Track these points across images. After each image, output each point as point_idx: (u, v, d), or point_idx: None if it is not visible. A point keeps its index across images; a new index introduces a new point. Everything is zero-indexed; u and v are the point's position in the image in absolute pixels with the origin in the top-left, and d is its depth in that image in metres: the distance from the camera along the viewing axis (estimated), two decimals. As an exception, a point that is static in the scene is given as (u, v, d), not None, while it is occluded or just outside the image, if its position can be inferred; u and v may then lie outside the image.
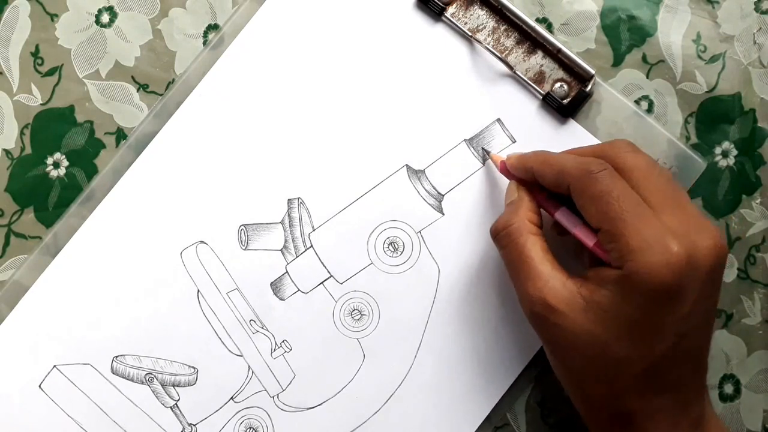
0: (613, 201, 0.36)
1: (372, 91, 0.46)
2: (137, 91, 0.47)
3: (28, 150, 0.47)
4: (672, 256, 0.34)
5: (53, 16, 0.47)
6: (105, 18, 0.47)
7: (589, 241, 0.38)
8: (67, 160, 0.47)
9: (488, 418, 0.45)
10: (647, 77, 0.46)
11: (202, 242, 0.45)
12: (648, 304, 0.35)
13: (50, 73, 0.47)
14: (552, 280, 0.37)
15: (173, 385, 0.45)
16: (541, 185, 0.40)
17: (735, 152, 0.46)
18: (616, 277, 0.35)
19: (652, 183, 0.37)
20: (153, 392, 0.45)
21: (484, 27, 0.45)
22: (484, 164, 0.45)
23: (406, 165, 0.45)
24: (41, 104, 0.47)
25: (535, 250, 0.38)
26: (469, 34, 0.45)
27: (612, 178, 0.36)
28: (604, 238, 0.36)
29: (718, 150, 0.46)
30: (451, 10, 0.45)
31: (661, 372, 0.36)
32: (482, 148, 0.45)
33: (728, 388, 0.46)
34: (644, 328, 0.35)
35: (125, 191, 0.46)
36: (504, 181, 0.44)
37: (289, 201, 0.45)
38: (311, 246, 0.45)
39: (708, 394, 0.40)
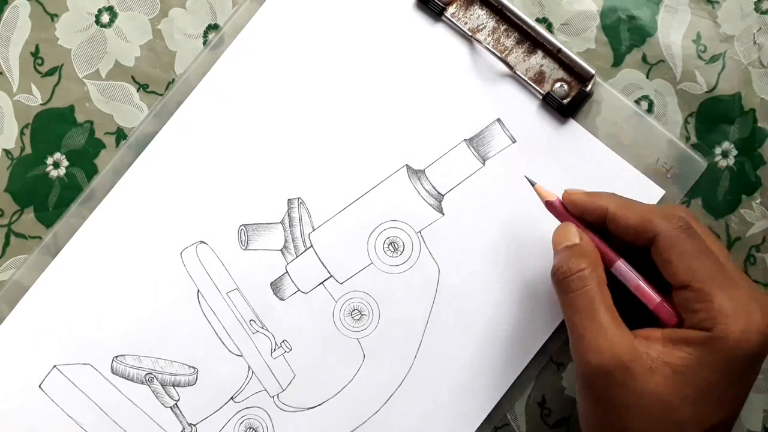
0: (706, 259, 0.35)
1: (372, 91, 0.46)
2: (137, 91, 0.47)
3: (28, 150, 0.47)
4: (761, 324, 0.34)
5: (53, 16, 0.47)
6: (105, 18, 0.47)
7: (653, 299, 0.37)
8: (67, 160, 0.47)
9: (488, 418, 0.45)
10: (647, 77, 0.46)
11: (202, 242, 0.45)
12: (733, 369, 0.35)
13: (50, 73, 0.47)
14: (622, 337, 0.35)
15: (173, 385, 0.45)
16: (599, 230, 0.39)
17: (735, 152, 0.46)
18: (701, 338, 0.35)
19: (721, 251, 0.37)
20: (153, 392, 0.45)
21: (484, 27, 0.45)
22: (484, 164, 0.45)
23: (406, 165, 0.45)
24: (41, 104, 0.47)
25: (607, 303, 0.36)
26: (469, 34, 0.45)
27: (699, 238, 0.36)
28: (690, 297, 0.35)
29: (718, 150, 0.46)
30: (451, 10, 0.45)
31: (719, 430, 0.36)
32: (526, 177, 0.42)
33: (728, 388, 0.46)
34: (721, 392, 0.35)
35: (125, 191, 0.46)
36: (504, 180, 0.44)
37: (289, 201, 0.45)
38: (311, 246, 0.45)
39: None
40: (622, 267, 0.38)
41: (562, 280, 0.38)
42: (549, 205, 0.40)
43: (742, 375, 0.35)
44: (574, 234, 0.38)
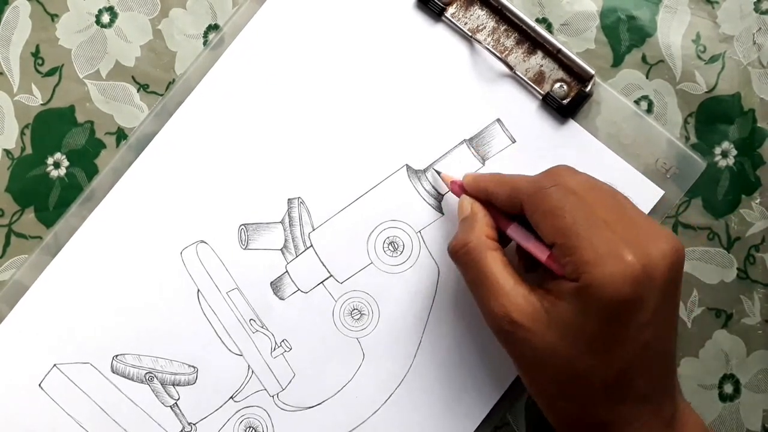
0: (566, 214, 0.36)
1: (372, 91, 0.46)
2: (137, 92, 0.47)
3: (29, 150, 0.47)
4: (627, 267, 0.34)
5: (53, 17, 0.47)
6: (105, 18, 0.47)
7: (542, 255, 0.38)
8: (68, 160, 0.47)
9: (488, 418, 0.45)
10: (647, 77, 0.46)
11: (202, 242, 0.45)
12: (606, 316, 0.35)
13: (51, 73, 0.47)
14: (515, 296, 0.37)
15: (173, 384, 0.45)
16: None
17: (735, 152, 0.46)
18: (572, 289, 0.35)
19: (597, 198, 0.37)
20: (153, 391, 0.45)
21: (484, 27, 0.45)
22: (484, 164, 0.45)
23: (406, 165, 0.45)
24: (42, 104, 0.47)
25: (496, 266, 0.38)
26: (469, 34, 0.45)
27: (563, 192, 0.37)
28: (558, 253, 0.36)
29: (717, 150, 0.46)
30: (451, 10, 0.45)
31: (628, 381, 0.36)
32: (433, 169, 0.45)
33: (728, 388, 0.46)
34: (605, 341, 0.35)
35: (125, 191, 0.46)
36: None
37: (289, 201, 0.45)
38: (311, 245, 0.45)
39: (679, 386, 0.39)
40: (515, 230, 0.40)
41: (453, 256, 0.40)
42: (452, 186, 0.43)
43: (619, 321, 0.35)
44: (467, 207, 0.41)
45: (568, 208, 0.36)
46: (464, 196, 0.42)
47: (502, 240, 0.40)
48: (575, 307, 0.35)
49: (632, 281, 0.34)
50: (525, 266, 0.41)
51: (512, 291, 0.37)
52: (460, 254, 0.40)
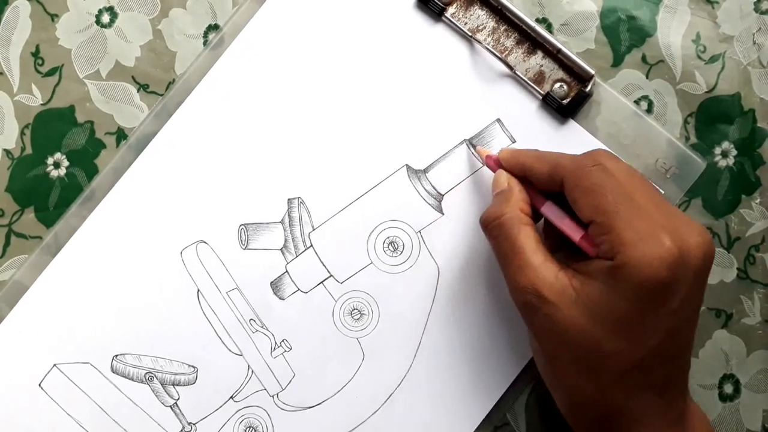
0: (608, 193, 0.36)
1: (372, 91, 0.46)
2: (137, 92, 0.47)
3: (29, 150, 0.47)
4: (664, 250, 0.34)
5: (53, 17, 0.47)
6: (105, 18, 0.47)
7: (576, 234, 0.38)
8: (68, 160, 0.47)
9: (488, 418, 0.45)
10: (647, 77, 0.46)
11: (202, 242, 0.45)
12: (639, 297, 0.35)
13: (51, 73, 0.47)
14: (544, 271, 0.37)
15: (173, 384, 0.45)
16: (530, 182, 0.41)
17: (734, 152, 0.46)
18: (607, 268, 0.35)
19: (637, 185, 0.37)
20: (153, 391, 0.45)
21: (484, 27, 0.45)
22: (484, 164, 0.45)
23: (406, 165, 0.45)
24: (42, 104, 0.47)
25: (528, 241, 0.38)
26: (469, 34, 0.45)
27: (606, 173, 0.37)
28: (596, 231, 0.36)
29: (717, 150, 0.46)
30: (451, 11, 0.45)
31: (649, 369, 0.36)
32: (468, 141, 0.45)
33: (728, 388, 0.46)
34: (635, 322, 0.35)
35: (125, 191, 0.46)
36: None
37: (289, 200, 0.45)
38: (311, 245, 0.45)
39: (689, 388, 0.39)
40: (549, 208, 0.40)
41: (485, 227, 0.41)
42: (488, 160, 0.43)
43: (651, 303, 0.35)
44: (503, 181, 0.41)
45: (610, 187, 0.36)
46: (501, 171, 0.42)
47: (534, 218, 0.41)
48: (607, 287, 0.35)
49: (670, 264, 0.34)
50: (553, 246, 0.41)
51: (542, 266, 0.37)
52: (492, 225, 0.40)
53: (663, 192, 0.45)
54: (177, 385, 0.45)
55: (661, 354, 0.36)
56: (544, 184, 0.40)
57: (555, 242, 0.41)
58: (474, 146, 0.45)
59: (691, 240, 0.35)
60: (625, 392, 0.36)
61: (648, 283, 0.34)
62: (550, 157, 0.40)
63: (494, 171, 0.42)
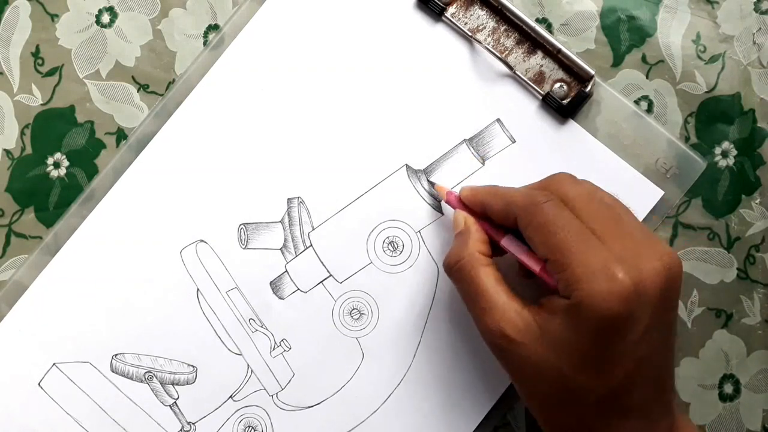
0: (558, 230, 0.36)
1: (372, 91, 0.46)
2: (137, 92, 0.47)
3: (29, 150, 0.47)
4: (616, 284, 0.34)
5: (54, 17, 0.47)
6: (105, 18, 0.47)
7: (535, 266, 0.38)
8: (68, 160, 0.47)
9: (488, 418, 0.45)
10: (647, 77, 0.46)
11: (202, 241, 0.45)
12: (597, 333, 0.34)
13: (51, 73, 0.47)
14: (507, 310, 0.37)
15: (172, 384, 0.45)
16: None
17: (735, 152, 0.46)
18: (564, 306, 0.35)
19: (594, 211, 0.37)
20: (152, 390, 0.45)
21: (484, 27, 0.45)
22: (483, 164, 0.45)
23: (406, 165, 0.45)
24: (42, 104, 0.47)
25: (489, 282, 0.38)
26: (469, 34, 0.45)
27: (557, 208, 0.36)
28: (551, 268, 0.36)
29: (717, 150, 0.46)
30: (451, 10, 0.45)
31: (622, 397, 0.36)
32: (427, 180, 0.45)
33: (728, 388, 0.46)
34: (598, 357, 0.35)
35: (125, 191, 0.46)
36: (504, 180, 0.44)
37: (289, 200, 0.45)
38: (311, 245, 0.45)
39: (676, 403, 0.39)
40: (509, 242, 0.40)
41: (447, 272, 0.41)
42: (448, 197, 0.43)
43: (611, 338, 0.34)
44: (461, 222, 0.41)
45: (561, 224, 0.36)
46: (458, 211, 0.42)
47: (500, 250, 0.40)
48: (567, 324, 0.35)
49: (623, 298, 0.34)
50: (525, 273, 0.41)
51: (504, 306, 0.37)
52: (453, 270, 0.40)
53: (663, 192, 0.44)
54: (176, 384, 0.45)
55: (634, 382, 0.36)
56: (501, 220, 0.40)
57: (528, 270, 0.40)
58: (432, 184, 0.45)
59: (647, 267, 0.35)
60: (601, 421, 0.36)
61: (604, 319, 0.34)
62: (504, 193, 0.40)
63: (454, 208, 0.43)
